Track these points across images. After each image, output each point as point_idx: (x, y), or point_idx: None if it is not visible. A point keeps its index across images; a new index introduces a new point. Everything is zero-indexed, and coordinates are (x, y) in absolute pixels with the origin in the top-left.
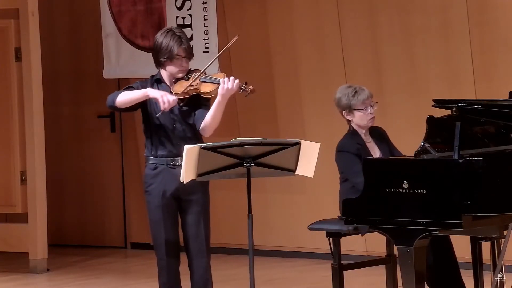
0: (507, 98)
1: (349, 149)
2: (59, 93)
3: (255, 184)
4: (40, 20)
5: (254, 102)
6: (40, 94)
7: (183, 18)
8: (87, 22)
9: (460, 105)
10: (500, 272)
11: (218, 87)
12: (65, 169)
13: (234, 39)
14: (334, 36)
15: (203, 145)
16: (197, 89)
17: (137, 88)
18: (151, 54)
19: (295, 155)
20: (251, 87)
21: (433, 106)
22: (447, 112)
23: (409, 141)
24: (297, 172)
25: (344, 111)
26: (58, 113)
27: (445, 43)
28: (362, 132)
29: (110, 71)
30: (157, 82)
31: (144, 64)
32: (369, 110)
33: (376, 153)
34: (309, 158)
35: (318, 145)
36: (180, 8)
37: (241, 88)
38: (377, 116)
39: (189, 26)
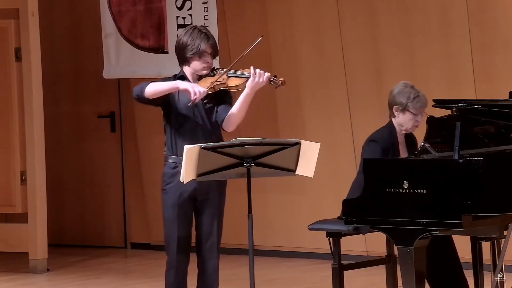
0: (507, 98)
1: (380, 142)
2: (59, 93)
3: (255, 184)
4: (40, 20)
5: (254, 102)
6: (40, 94)
7: (183, 18)
8: (87, 22)
9: (460, 105)
10: (500, 272)
11: (246, 81)
12: (65, 169)
13: (259, 40)
14: (334, 36)
15: (203, 145)
16: (224, 83)
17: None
18: (151, 54)
19: (295, 155)
20: (281, 79)
21: (433, 106)
22: (447, 112)
23: None
24: (297, 172)
25: (396, 106)
26: (58, 113)
27: (445, 43)
28: (400, 132)
29: (110, 71)
30: (180, 80)
31: (144, 64)
32: (418, 118)
33: (404, 155)
34: (309, 158)
35: (318, 145)
36: (180, 8)
37: (271, 81)
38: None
39: None
